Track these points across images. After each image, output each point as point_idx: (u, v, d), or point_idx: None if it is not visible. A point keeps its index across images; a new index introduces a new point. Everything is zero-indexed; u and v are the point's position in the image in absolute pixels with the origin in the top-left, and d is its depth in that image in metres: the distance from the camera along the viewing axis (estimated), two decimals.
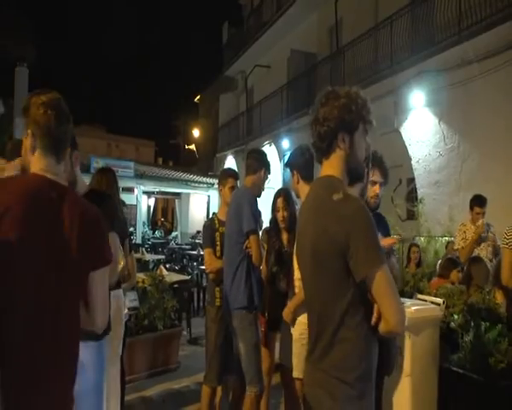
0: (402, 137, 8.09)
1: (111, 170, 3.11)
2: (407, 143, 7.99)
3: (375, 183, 2.40)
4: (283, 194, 3.20)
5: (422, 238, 6.55)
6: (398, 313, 1.30)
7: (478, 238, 4.24)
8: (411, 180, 8.07)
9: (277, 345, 3.13)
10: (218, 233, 3.19)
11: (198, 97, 22.97)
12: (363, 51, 9.37)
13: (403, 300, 3.39)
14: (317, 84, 11.23)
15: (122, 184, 10.47)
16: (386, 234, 2.49)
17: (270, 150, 12.54)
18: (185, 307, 5.63)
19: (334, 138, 1.46)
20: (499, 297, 3.49)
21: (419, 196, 7.46)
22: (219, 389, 3.25)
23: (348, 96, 1.46)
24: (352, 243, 1.30)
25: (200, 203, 19.09)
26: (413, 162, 7.84)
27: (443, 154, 7.17)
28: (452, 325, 3.37)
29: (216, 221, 3.25)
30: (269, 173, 3.05)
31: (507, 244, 3.43)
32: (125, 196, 8.72)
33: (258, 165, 2.96)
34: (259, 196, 2.97)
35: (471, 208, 4.50)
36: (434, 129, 7.41)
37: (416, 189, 7.73)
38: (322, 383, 1.41)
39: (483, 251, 4.31)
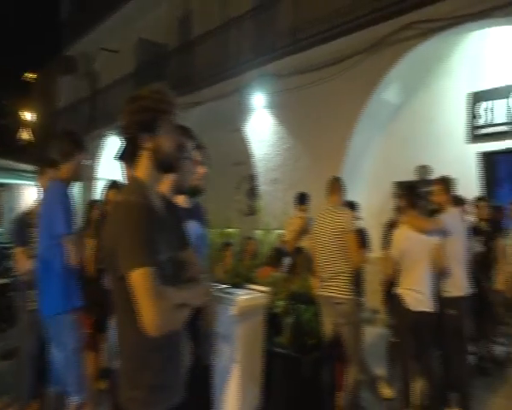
0: (245, 136, 8.55)
1: None
2: (249, 142, 8.46)
3: (199, 165, 2.41)
4: (114, 187, 3.04)
5: (260, 231, 7.03)
6: (151, 316, 1.32)
7: (302, 231, 4.72)
8: (253, 177, 8.58)
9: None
10: (33, 229, 2.84)
11: (31, 76, 20.30)
12: (213, 48, 9.55)
13: (235, 290, 3.58)
14: (168, 76, 11.05)
15: None
16: (203, 224, 2.53)
17: (115, 141, 11.85)
18: (4, 316, 4.91)
19: (137, 142, 1.51)
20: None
21: (259, 192, 7.99)
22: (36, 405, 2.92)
23: (145, 97, 1.52)
24: (118, 243, 1.37)
25: (35, 196, 16.94)
26: (254, 160, 8.34)
27: (280, 153, 7.82)
28: (277, 310, 3.69)
29: (30, 216, 2.90)
30: (86, 156, 2.80)
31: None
32: None
33: (74, 149, 2.71)
34: (78, 180, 2.74)
35: (297, 204, 5.00)
36: (273, 129, 8.02)
37: (256, 185, 8.26)
38: None
39: (306, 242, 4.83)
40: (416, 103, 7.11)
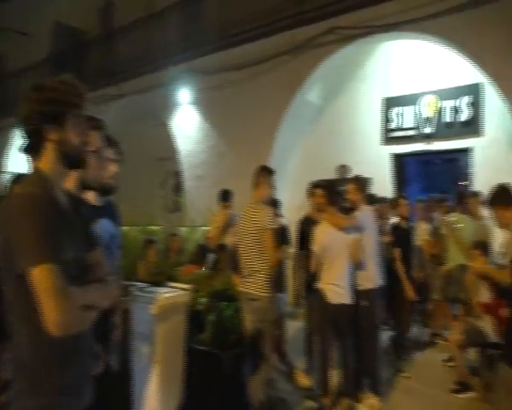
0: (171, 131, 8.36)
1: None
2: (175, 138, 8.29)
3: (111, 162, 2.30)
4: (20, 181, 2.77)
5: (186, 228, 6.92)
6: (55, 315, 1.25)
7: (225, 227, 4.73)
8: (178, 173, 8.42)
9: None
10: None
11: None
12: (137, 39, 9.19)
13: (156, 289, 3.48)
14: (87, 65, 10.42)
15: None
16: (116, 223, 2.43)
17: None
18: None
19: (41, 133, 1.42)
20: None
21: (184, 189, 7.87)
22: None
23: (51, 88, 1.43)
24: (15, 238, 1.28)
25: None
26: (180, 156, 8.19)
27: (205, 150, 7.77)
28: (199, 307, 3.65)
29: None
30: None
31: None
32: None
33: None
34: None
35: (220, 201, 5.00)
36: (199, 126, 7.94)
37: (181, 182, 8.12)
38: None
39: (230, 238, 4.85)
40: (336, 105, 7.46)
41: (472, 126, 6.24)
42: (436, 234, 5.23)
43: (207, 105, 7.81)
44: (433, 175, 8.91)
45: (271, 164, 6.91)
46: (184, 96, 8.01)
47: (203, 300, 3.68)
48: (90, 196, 2.33)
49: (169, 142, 8.32)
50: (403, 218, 4.66)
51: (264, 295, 3.19)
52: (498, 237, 3.55)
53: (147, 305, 3.14)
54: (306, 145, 7.64)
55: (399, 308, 4.50)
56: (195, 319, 3.57)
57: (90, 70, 9.68)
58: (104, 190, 2.32)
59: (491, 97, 5.75)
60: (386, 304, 4.57)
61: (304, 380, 4.09)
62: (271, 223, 3.19)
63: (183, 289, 3.58)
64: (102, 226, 2.33)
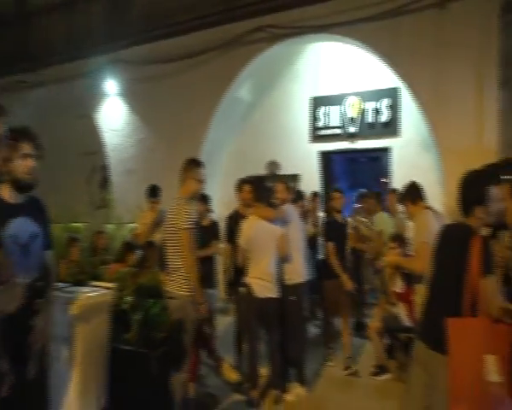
0: (97, 124, 7.97)
1: None
2: (102, 130, 7.92)
3: (26, 156, 2.16)
4: None
5: (113, 225, 6.66)
6: None
7: (153, 224, 4.62)
8: (105, 168, 8.06)
9: None
10: None
11: None
12: (59, 22, 8.58)
13: (77, 288, 3.32)
14: (1, 47, 9.54)
15: None
16: (40, 222, 2.29)
17: None
18: None
19: None
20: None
21: (111, 184, 7.56)
22: None
23: None
24: None
25: None
26: (107, 150, 7.84)
27: (134, 144, 7.52)
28: (124, 306, 3.54)
29: None
30: None
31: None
32: None
33: None
34: None
35: (148, 197, 4.87)
36: (127, 119, 7.66)
37: (108, 177, 7.78)
38: None
39: (158, 235, 4.74)
40: (267, 103, 7.59)
41: (391, 127, 6.68)
42: (356, 228, 5.52)
43: (136, 97, 7.55)
44: (359, 172, 9.45)
45: (202, 159, 6.87)
46: (111, 86, 7.67)
47: (128, 298, 3.58)
48: (5, 193, 2.18)
49: (95, 135, 7.93)
50: (337, 211, 4.63)
51: (183, 294, 3.13)
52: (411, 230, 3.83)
53: (66, 306, 2.99)
54: (237, 141, 7.69)
55: (333, 301, 4.59)
56: (120, 318, 3.46)
57: (3, 52, 8.88)
58: (20, 186, 2.19)
59: (407, 101, 6.19)
60: (316, 297, 4.75)
61: (232, 374, 4.13)
62: (187, 222, 3.06)
63: (107, 288, 3.46)
64: (19, 225, 2.19)
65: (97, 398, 3.09)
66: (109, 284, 3.45)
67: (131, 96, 7.58)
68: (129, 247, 4.58)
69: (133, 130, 7.59)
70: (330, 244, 4.50)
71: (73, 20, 8.47)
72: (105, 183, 8.11)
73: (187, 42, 6.99)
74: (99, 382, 3.13)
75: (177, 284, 3.14)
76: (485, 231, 2.24)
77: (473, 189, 2.14)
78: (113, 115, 7.80)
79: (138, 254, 4.58)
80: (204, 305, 3.12)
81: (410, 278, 3.83)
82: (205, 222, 4.95)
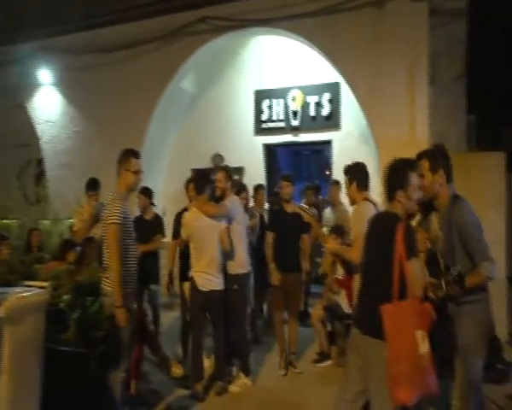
0: (31, 114, 7.50)
1: None
2: (35, 122, 7.47)
3: None
4: None
5: (49, 221, 6.33)
6: None
7: (92, 219, 4.42)
8: (40, 161, 7.62)
9: None
10: None
11: None
12: None
13: (5, 289, 3.11)
14: None
15: None
16: None
17: None
18: None
19: None
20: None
21: (47, 178, 7.16)
22: None
23: None
24: None
25: None
26: (42, 142, 7.42)
27: (71, 136, 7.16)
28: (61, 305, 3.40)
29: None
30: None
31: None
32: None
33: None
34: None
35: (87, 191, 4.69)
36: (63, 110, 7.28)
37: (44, 171, 7.37)
38: None
39: (98, 230, 4.56)
40: (211, 95, 7.54)
41: (332, 121, 6.89)
42: None
43: (73, 87, 7.18)
44: (303, 165, 9.66)
45: (144, 152, 6.71)
46: (45, 75, 7.24)
47: (66, 297, 3.44)
48: None
49: (28, 126, 7.46)
50: (285, 201, 4.39)
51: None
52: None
53: None
54: (182, 134, 7.57)
55: (280, 294, 4.39)
56: (57, 318, 3.31)
57: None
58: None
59: (347, 95, 6.41)
60: (256, 289, 4.76)
61: (177, 369, 4.10)
62: (115, 217, 2.90)
63: (41, 287, 3.29)
64: None
65: (31, 405, 2.94)
66: (44, 283, 3.28)
67: (68, 85, 7.21)
68: (68, 244, 4.38)
69: (70, 121, 7.23)
70: (269, 234, 4.39)
71: (6, 3, 7.88)
72: (40, 177, 7.67)
73: (128, 31, 6.77)
74: (32, 388, 2.97)
75: (110, 281, 3.02)
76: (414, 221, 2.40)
77: (394, 175, 2.29)
78: (49, 106, 7.39)
79: (77, 251, 4.39)
80: (122, 309, 2.90)
81: (350, 266, 3.98)
82: (148, 216, 4.86)
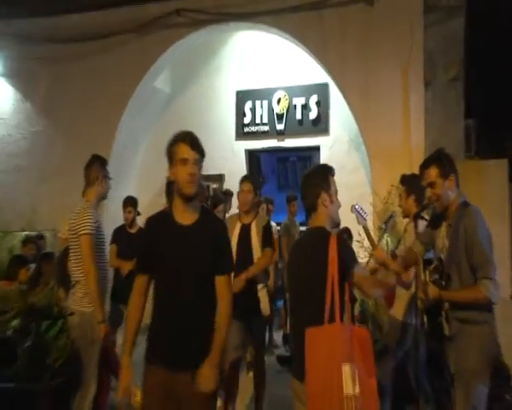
0: None
1: None
2: None
3: None
4: None
5: None
6: None
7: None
8: None
9: None
10: None
11: None
12: None
13: None
14: None
15: None
16: None
17: None
18: None
19: None
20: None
21: None
22: None
23: None
24: None
25: None
26: None
27: (27, 136, 6.90)
28: (9, 333, 3.21)
29: None
30: None
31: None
32: None
33: None
34: None
35: None
36: (17, 106, 7.01)
37: None
38: None
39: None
40: (188, 95, 7.43)
41: (320, 125, 6.85)
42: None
43: (30, 80, 6.89)
44: (289, 172, 9.61)
45: (114, 155, 6.54)
46: None
47: (15, 322, 3.25)
48: None
49: None
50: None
51: (82, 309, 2.97)
52: None
53: None
54: (156, 137, 7.38)
55: None
56: (2, 348, 3.12)
57: None
58: None
59: (336, 97, 6.39)
60: None
61: (138, 397, 3.91)
62: (88, 227, 2.96)
63: None
64: None
65: None
66: None
67: (23, 78, 6.94)
68: (19, 260, 4.20)
69: (25, 119, 6.96)
70: None
71: None
72: None
73: (95, 20, 6.60)
74: None
75: (78, 298, 3.01)
76: None
77: (315, 178, 2.24)
78: None
79: (31, 268, 4.20)
80: (104, 324, 2.94)
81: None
82: (133, 229, 4.73)
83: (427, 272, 2.53)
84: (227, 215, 4.99)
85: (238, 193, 3.74)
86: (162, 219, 2.20)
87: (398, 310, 3.27)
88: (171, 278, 2.08)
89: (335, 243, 2.04)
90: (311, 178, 2.27)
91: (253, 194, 3.66)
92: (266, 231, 3.62)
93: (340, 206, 2.28)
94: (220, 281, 2.13)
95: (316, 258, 2.09)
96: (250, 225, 3.62)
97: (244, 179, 3.77)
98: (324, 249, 2.04)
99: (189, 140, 2.14)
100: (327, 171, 2.28)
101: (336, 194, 2.26)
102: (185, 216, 2.13)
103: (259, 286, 3.59)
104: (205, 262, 2.09)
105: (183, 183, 2.08)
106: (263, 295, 3.61)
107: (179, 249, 2.08)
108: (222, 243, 2.18)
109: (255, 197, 3.72)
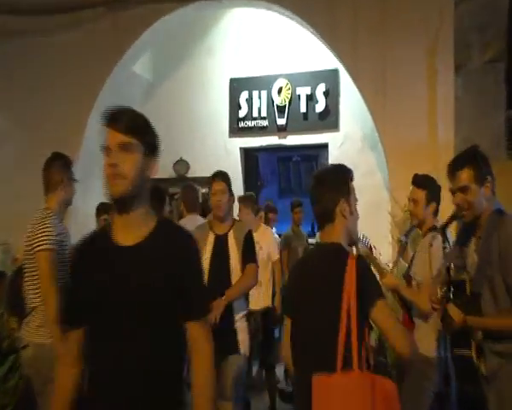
0: None
1: None
2: None
3: None
4: None
5: None
6: None
7: None
8: None
9: None
10: None
11: None
12: None
13: None
14: None
15: None
16: None
17: None
18: None
19: None
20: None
21: None
22: None
23: None
24: None
25: None
26: None
27: None
28: None
29: None
30: None
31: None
32: None
33: None
34: None
35: None
36: None
37: None
38: None
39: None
40: (173, 84, 7.40)
41: (328, 119, 6.77)
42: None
43: None
44: (292, 174, 9.58)
45: (84, 153, 6.42)
46: None
47: None
48: None
49: None
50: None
51: (39, 341, 2.85)
52: None
53: None
54: None
55: None
56: None
57: None
58: None
59: (348, 86, 6.29)
60: None
61: None
62: (46, 241, 2.83)
63: None
64: None
65: None
66: None
67: None
68: None
69: None
70: None
71: None
72: None
73: None
74: None
75: (33, 328, 2.91)
76: None
77: (335, 182, 2.06)
78: None
79: None
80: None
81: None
82: None
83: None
84: None
85: (206, 195, 3.57)
86: (95, 242, 1.76)
87: (422, 342, 3.08)
88: (108, 330, 1.62)
89: (354, 267, 1.85)
90: (327, 180, 2.08)
91: (228, 194, 3.34)
92: (247, 243, 3.28)
93: (358, 218, 2.10)
94: (193, 328, 1.69)
95: (328, 284, 1.90)
96: (226, 235, 3.29)
97: (214, 177, 3.43)
98: (340, 273, 1.85)
99: (112, 119, 1.67)
100: (346, 173, 2.10)
101: (356, 203, 2.08)
102: (127, 233, 1.66)
103: (238, 316, 3.23)
104: (158, 302, 1.62)
105: (105, 181, 1.65)
106: (242, 328, 3.25)
107: (117, 285, 1.61)
108: (189, 270, 1.71)
109: (231, 199, 3.39)
